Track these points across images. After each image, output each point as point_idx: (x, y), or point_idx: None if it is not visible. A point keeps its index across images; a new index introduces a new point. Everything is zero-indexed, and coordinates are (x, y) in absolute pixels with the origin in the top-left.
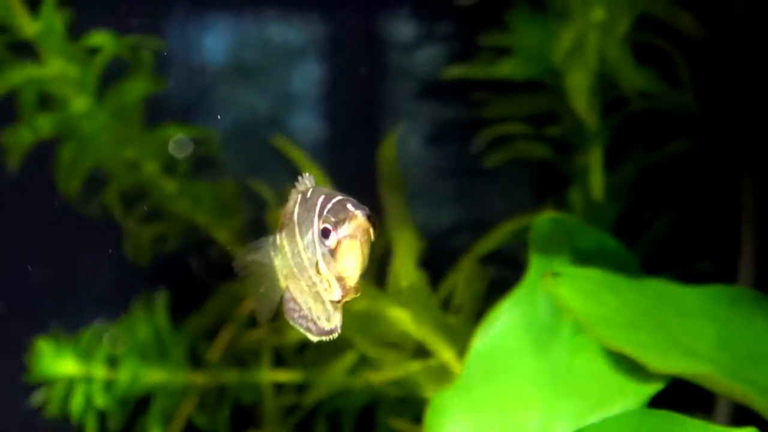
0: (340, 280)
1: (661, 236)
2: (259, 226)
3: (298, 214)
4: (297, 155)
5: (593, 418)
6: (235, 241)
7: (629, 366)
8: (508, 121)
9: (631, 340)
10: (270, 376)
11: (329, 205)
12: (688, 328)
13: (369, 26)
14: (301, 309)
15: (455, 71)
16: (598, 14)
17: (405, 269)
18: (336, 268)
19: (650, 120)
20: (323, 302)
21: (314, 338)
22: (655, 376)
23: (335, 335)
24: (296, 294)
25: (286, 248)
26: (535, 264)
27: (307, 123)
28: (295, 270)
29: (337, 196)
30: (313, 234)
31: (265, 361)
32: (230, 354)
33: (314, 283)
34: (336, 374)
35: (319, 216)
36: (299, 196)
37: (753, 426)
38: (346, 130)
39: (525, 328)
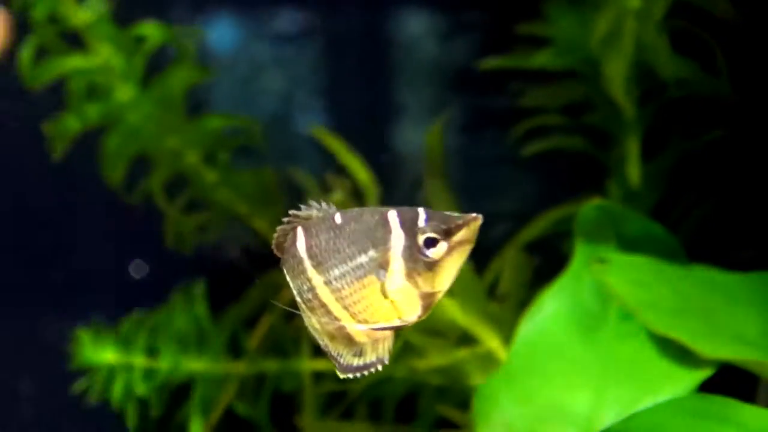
0: (427, 297)
1: (701, 224)
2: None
3: (314, 246)
4: (336, 145)
5: (641, 405)
6: (275, 231)
7: (677, 352)
8: (545, 112)
9: (679, 326)
10: (309, 364)
11: (422, 215)
12: (734, 314)
13: (404, 16)
14: (320, 342)
15: (492, 62)
16: (634, 1)
17: None
18: (432, 283)
19: (687, 108)
20: (347, 337)
21: (342, 375)
22: (704, 362)
23: (376, 368)
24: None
25: (293, 285)
26: (581, 251)
27: (345, 117)
28: (302, 308)
29: (398, 208)
30: (374, 255)
31: (304, 350)
32: (270, 343)
33: (332, 319)
34: None
35: (409, 228)
36: (299, 229)
37: None
38: (381, 123)
39: (571, 315)
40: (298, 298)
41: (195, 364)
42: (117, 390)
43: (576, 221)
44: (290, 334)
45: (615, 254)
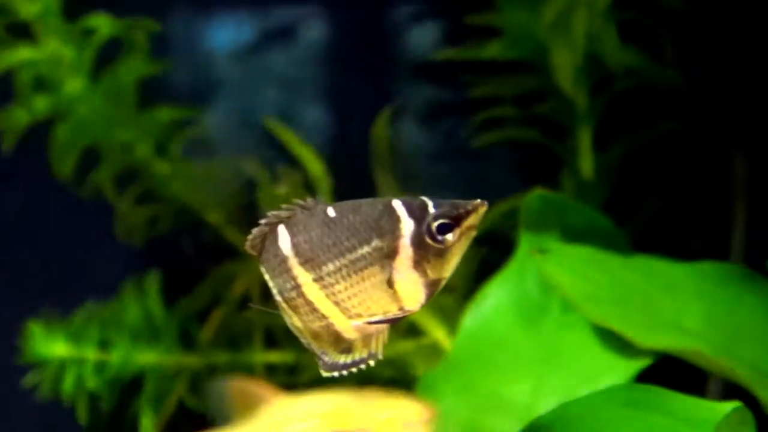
0: (433, 285)
1: (653, 216)
2: (252, 207)
3: (302, 242)
4: (291, 138)
5: (581, 394)
6: (229, 223)
7: (617, 342)
8: (499, 103)
9: (619, 317)
10: (262, 357)
11: (430, 202)
12: (676, 304)
13: (362, 8)
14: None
15: (444, 54)
16: None
17: None
18: (440, 270)
19: (640, 99)
20: (334, 334)
21: (325, 374)
22: (642, 352)
23: (367, 365)
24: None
25: (273, 284)
26: (525, 242)
27: (299, 108)
28: (283, 307)
29: (397, 197)
30: (379, 244)
31: (256, 342)
32: (222, 335)
33: (318, 317)
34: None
35: (418, 216)
36: (281, 227)
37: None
38: (338, 114)
39: (514, 305)
40: (278, 297)
41: (147, 357)
42: (68, 384)
43: (520, 212)
44: (242, 326)
45: (557, 244)
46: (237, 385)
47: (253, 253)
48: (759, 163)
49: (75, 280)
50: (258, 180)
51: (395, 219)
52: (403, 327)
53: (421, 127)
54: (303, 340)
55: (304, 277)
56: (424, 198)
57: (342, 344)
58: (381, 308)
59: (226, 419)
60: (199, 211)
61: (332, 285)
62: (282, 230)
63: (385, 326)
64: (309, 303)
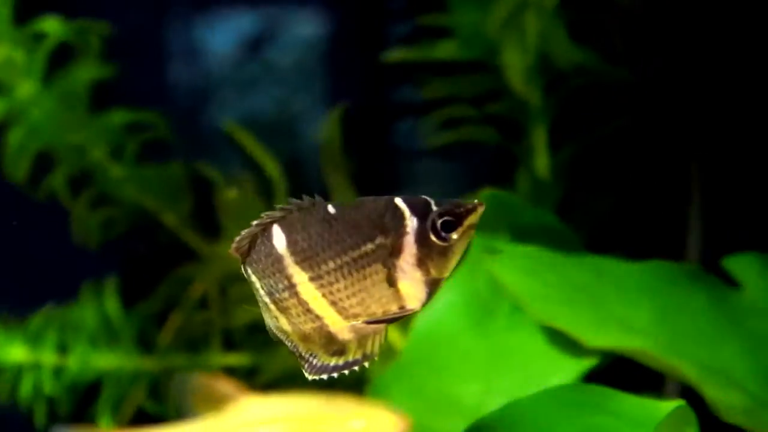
0: (434, 283)
1: (608, 215)
2: (208, 210)
3: (300, 240)
4: (247, 140)
5: (529, 394)
6: (184, 226)
7: (566, 342)
8: (456, 103)
9: (566, 316)
10: (220, 359)
11: (431, 200)
12: (625, 303)
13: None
14: (290, 342)
15: (397, 54)
16: None
17: None
18: (442, 268)
19: (596, 98)
20: (326, 336)
21: (310, 377)
22: (590, 352)
23: (362, 367)
24: (276, 328)
25: (257, 284)
26: (476, 242)
27: (256, 107)
28: (271, 308)
29: (397, 198)
30: (383, 241)
31: (215, 345)
32: (181, 338)
33: (311, 318)
34: (284, 357)
35: (422, 215)
36: (275, 227)
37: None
38: (297, 115)
39: (465, 305)
40: (266, 299)
41: (105, 361)
42: (26, 389)
43: None
44: (201, 328)
45: (507, 244)
46: (202, 381)
47: (237, 255)
48: (714, 162)
49: (32, 284)
50: (214, 183)
51: (399, 216)
52: None
53: (378, 127)
54: (288, 343)
55: (299, 276)
56: (425, 196)
57: (334, 346)
58: (381, 307)
59: (188, 414)
60: (155, 214)
61: (331, 284)
62: (276, 229)
63: (383, 326)
64: (303, 303)
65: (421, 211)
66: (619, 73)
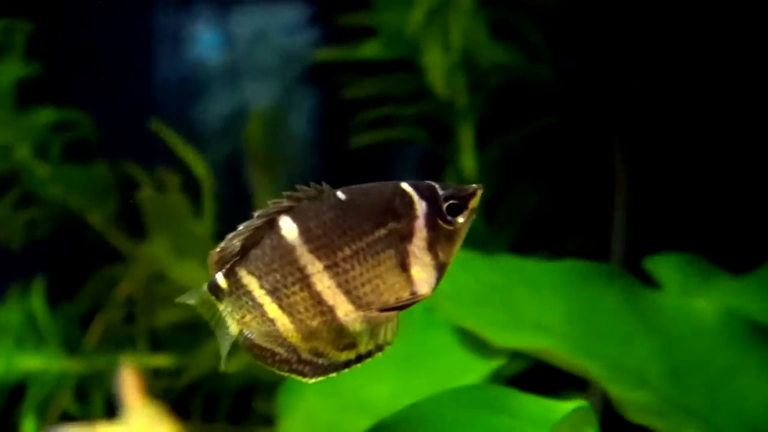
0: (442, 268)
1: (534, 214)
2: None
3: (313, 227)
4: (174, 140)
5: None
6: (110, 226)
7: (476, 342)
8: (385, 104)
9: (477, 317)
10: (146, 360)
11: (437, 185)
12: (538, 303)
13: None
14: (273, 353)
15: (323, 54)
16: None
17: None
18: (449, 251)
19: (522, 97)
20: (335, 330)
21: (311, 380)
22: (498, 352)
23: (374, 356)
24: (260, 338)
25: (253, 285)
26: None
27: (187, 110)
28: (268, 311)
29: (403, 182)
30: (396, 226)
31: (141, 346)
32: (107, 339)
33: (321, 311)
34: (208, 357)
35: (430, 199)
36: (284, 217)
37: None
38: (229, 116)
39: None
40: (267, 298)
41: (31, 363)
42: None
43: None
44: (127, 330)
45: None
46: (123, 380)
47: (222, 259)
48: (639, 162)
49: None
50: (139, 182)
51: (409, 200)
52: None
53: (310, 127)
54: (281, 349)
55: (314, 265)
56: (430, 182)
57: (345, 340)
58: (394, 294)
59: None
60: (80, 214)
61: (347, 271)
62: (286, 220)
63: (395, 314)
64: (314, 295)
65: (428, 195)
66: (541, 70)
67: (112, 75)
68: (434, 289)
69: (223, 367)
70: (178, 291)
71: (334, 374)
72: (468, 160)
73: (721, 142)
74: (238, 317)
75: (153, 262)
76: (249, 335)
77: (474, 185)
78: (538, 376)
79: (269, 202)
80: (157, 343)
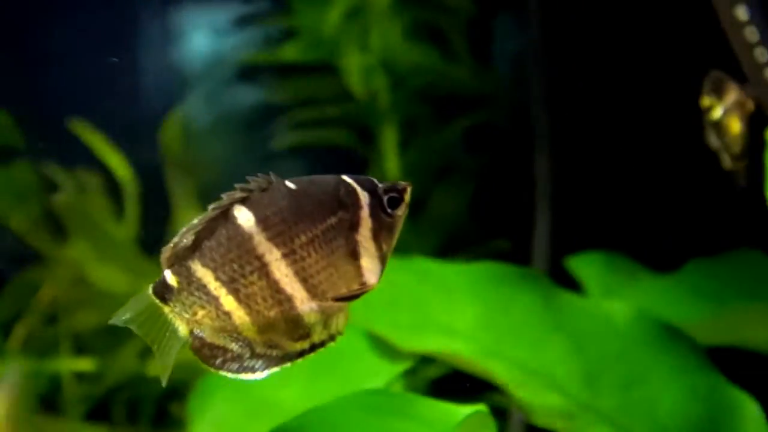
0: (384, 259)
1: (458, 215)
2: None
3: (269, 215)
4: (96, 140)
5: None
6: (33, 229)
7: (384, 345)
8: (309, 106)
9: (386, 320)
10: (69, 364)
11: (376, 181)
12: (449, 306)
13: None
14: (225, 351)
15: (246, 56)
16: None
17: None
18: (389, 242)
19: (446, 99)
20: (293, 320)
21: (261, 375)
22: (405, 355)
23: (327, 346)
24: (212, 335)
25: (208, 278)
26: None
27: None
28: (224, 303)
29: (344, 175)
30: (345, 216)
31: (64, 350)
32: (30, 344)
33: (279, 300)
34: (126, 362)
35: (371, 191)
36: (238, 206)
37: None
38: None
39: None
40: (222, 290)
41: None
42: None
43: None
44: (50, 334)
45: None
46: None
47: (166, 258)
48: (562, 161)
49: None
50: (60, 184)
51: (353, 191)
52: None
53: (241, 129)
54: (234, 345)
55: (272, 253)
56: (368, 176)
57: (300, 330)
58: (346, 283)
59: None
60: (1, 217)
61: (303, 259)
62: (241, 210)
63: (347, 304)
64: (273, 284)
65: (369, 188)
66: (460, 71)
67: (34, 74)
68: (379, 279)
69: (164, 382)
70: (99, 296)
71: (288, 365)
72: (391, 161)
73: (646, 140)
74: (188, 316)
75: (74, 265)
76: (199, 334)
77: (404, 183)
78: None
79: (222, 195)
80: (81, 347)
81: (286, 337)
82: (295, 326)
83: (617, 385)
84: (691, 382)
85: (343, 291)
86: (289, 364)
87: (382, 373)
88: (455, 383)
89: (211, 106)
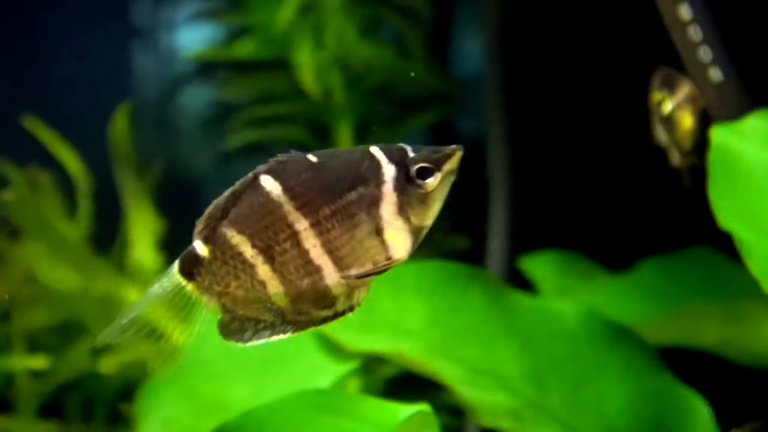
0: (417, 232)
1: None
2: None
3: (295, 186)
4: (48, 137)
5: None
6: None
7: (333, 344)
8: (260, 103)
9: None
10: (22, 362)
11: (409, 150)
12: (399, 305)
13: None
14: (257, 322)
15: (198, 53)
16: None
17: (143, 251)
18: (424, 216)
19: (403, 99)
20: (321, 291)
21: (283, 336)
22: (352, 355)
23: (345, 316)
24: (245, 307)
25: (244, 246)
26: None
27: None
28: (260, 272)
29: (373, 147)
30: (364, 191)
31: (17, 348)
32: None
33: (309, 271)
34: (77, 359)
35: (399, 163)
36: (265, 176)
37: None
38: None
39: None
40: (259, 258)
41: None
42: None
43: None
44: (2, 332)
45: None
46: None
47: (199, 231)
48: (518, 158)
49: None
50: (11, 182)
51: (376, 165)
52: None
53: (199, 127)
54: (268, 315)
55: (300, 222)
56: (402, 144)
57: (325, 301)
58: (370, 258)
59: None
60: None
61: (328, 231)
62: (267, 179)
63: (370, 279)
64: (303, 254)
65: (397, 159)
66: (415, 69)
67: None
68: (410, 253)
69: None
70: (50, 294)
71: (313, 328)
72: None
73: (603, 137)
74: (219, 288)
75: (28, 261)
76: (230, 308)
77: (453, 146)
78: None
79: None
80: (34, 344)
81: (313, 306)
82: (323, 296)
83: (566, 385)
84: (640, 382)
85: (368, 265)
86: (312, 328)
87: (330, 373)
88: (413, 381)
89: (164, 103)
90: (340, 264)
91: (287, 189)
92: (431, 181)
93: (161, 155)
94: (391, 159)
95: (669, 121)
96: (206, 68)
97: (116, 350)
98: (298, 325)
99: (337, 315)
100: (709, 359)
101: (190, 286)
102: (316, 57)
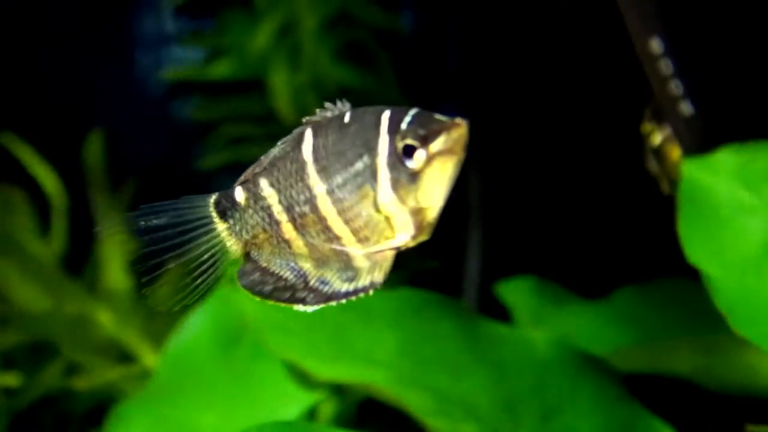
0: (416, 213)
1: None
2: None
3: (321, 147)
4: (24, 154)
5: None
6: None
7: (302, 373)
8: (235, 123)
9: (303, 348)
10: None
11: (408, 118)
12: (370, 334)
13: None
14: (278, 279)
15: (172, 74)
16: (289, 12)
17: (114, 272)
18: (417, 197)
19: None
20: (344, 260)
21: (311, 308)
22: (322, 384)
23: (367, 293)
24: (269, 260)
25: (273, 200)
26: (230, 269)
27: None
28: (285, 227)
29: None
30: (367, 161)
31: None
32: None
33: (329, 237)
34: (48, 378)
35: (393, 132)
36: (308, 130)
37: None
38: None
39: (215, 332)
40: (285, 215)
41: None
42: None
43: None
44: None
45: None
46: None
47: (258, 168)
48: (494, 182)
49: None
50: None
51: (376, 133)
52: (114, 352)
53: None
54: (290, 274)
55: (319, 186)
56: (412, 110)
57: (349, 271)
58: (378, 234)
59: None
60: None
61: (342, 200)
62: (308, 134)
63: (390, 255)
64: (322, 219)
65: (393, 129)
66: (388, 91)
67: None
68: (415, 237)
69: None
70: (21, 315)
71: (334, 303)
72: None
73: (580, 163)
74: (247, 236)
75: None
76: (255, 257)
77: (454, 120)
78: None
79: (305, 119)
80: (9, 362)
81: (337, 276)
82: (346, 267)
83: (536, 415)
84: (609, 411)
85: (380, 240)
86: (334, 304)
87: (299, 401)
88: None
89: (140, 122)
90: (357, 235)
91: (316, 148)
92: (416, 161)
93: (135, 175)
94: (389, 129)
95: (658, 153)
96: (182, 88)
97: (89, 371)
98: (319, 296)
99: (357, 291)
100: (678, 386)
101: (221, 226)
102: (292, 79)
